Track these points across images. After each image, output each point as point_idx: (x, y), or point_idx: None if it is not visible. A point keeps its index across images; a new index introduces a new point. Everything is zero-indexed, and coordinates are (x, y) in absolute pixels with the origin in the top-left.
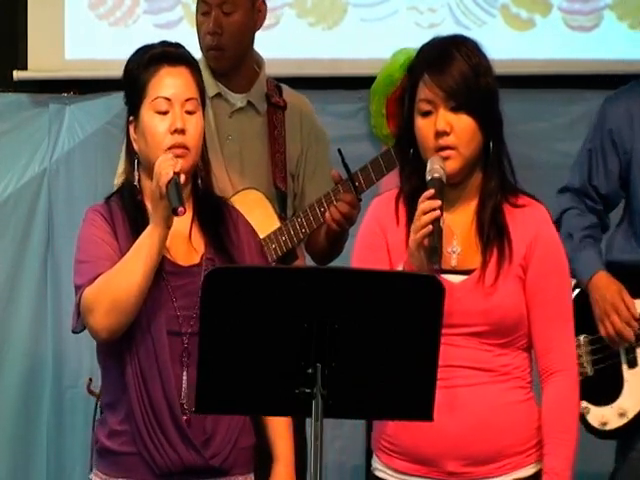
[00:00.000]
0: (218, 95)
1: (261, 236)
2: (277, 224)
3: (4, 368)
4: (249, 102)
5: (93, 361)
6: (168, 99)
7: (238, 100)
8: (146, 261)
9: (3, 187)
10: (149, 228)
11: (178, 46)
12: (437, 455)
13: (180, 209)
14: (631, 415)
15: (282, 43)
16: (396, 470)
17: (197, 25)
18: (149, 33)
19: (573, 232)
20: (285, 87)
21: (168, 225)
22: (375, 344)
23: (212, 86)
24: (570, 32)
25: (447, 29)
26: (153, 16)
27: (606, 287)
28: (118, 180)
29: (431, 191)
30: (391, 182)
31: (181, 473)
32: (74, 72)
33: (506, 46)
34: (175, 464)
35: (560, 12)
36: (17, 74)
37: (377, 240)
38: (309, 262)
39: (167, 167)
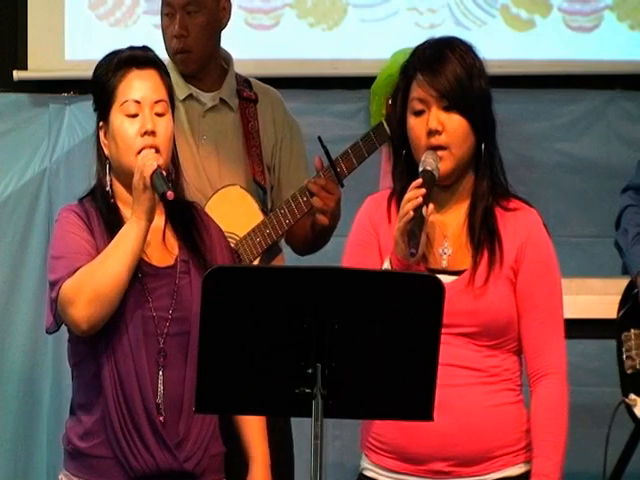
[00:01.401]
0: (189, 96)
1: (245, 232)
2: (260, 218)
3: (4, 368)
4: (221, 100)
5: None
6: (137, 102)
7: (209, 99)
8: (129, 253)
9: (3, 187)
10: (131, 221)
11: (146, 49)
12: (425, 454)
13: (169, 192)
14: None
15: (282, 43)
16: (386, 468)
17: (162, 28)
18: (149, 33)
19: (628, 228)
20: (254, 80)
21: (150, 218)
22: (375, 344)
23: (182, 88)
24: (570, 32)
25: (447, 30)
26: (153, 16)
27: None
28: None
29: (419, 180)
30: (391, 184)
31: (155, 476)
32: (74, 72)
33: (506, 46)
34: (150, 467)
35: (560, 13)
36: (17, 74)
37: (368, 237)
38: (289, 254)
39: (151, 159)
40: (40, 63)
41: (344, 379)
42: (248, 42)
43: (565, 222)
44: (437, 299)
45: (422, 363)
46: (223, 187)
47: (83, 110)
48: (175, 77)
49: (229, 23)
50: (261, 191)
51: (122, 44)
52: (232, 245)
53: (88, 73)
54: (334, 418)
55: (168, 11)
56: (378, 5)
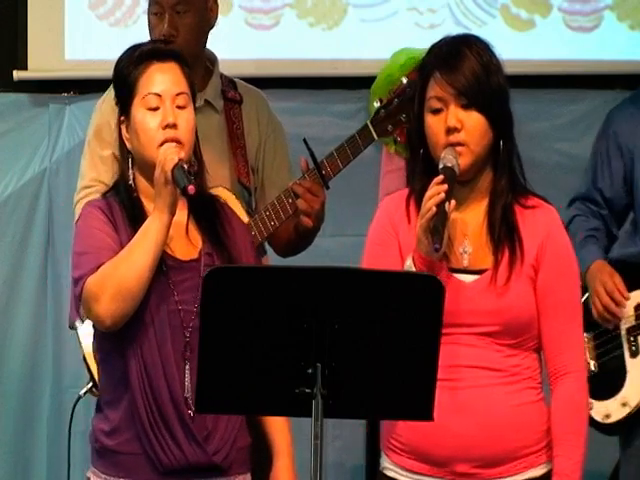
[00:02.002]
0: None
1: None
2: (246, 220)
3: (4, 368)
4: (206, 101)
5: None
6: (158, 95)
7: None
8: (152, 247)
9: (3, 187)
10: (153, 215)
11: (167, 42)
12: (447, 456)
13: (190, 187)
14: (633, 404)
15: (282, 43)
16: (406, 469)
17: (150, 26)
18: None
19: (577, 232)
20: (239, 81)
21: (172, 212)
22: (375, 344)
23: None
24: (570, 32)
25: (447, 30)
26: None
27: (600, 270)
28: (84, 181)
29: (440, 177)
30: (391, 183)
31: (184, 471)
32: (74, 72)
33: (506, 46)
34: (179, 461)
35: (560, 12)
36: (17, 74)
37: (388, 237)
38: (272, 255)
39: (172, 153)
40: (40, 63)
41: (344, 379)
42: (248, 42)
43: (565, 222)
44: (437, 299)
45: (422, 363)
46: (211, 187)
47: (83, 110)
48: None
49: (229, 23)
50: (246, 192)
51: (122, 44)
52: None
53: (88, 73)
54: (334, 418)
55: (157, 10)
56: (378, 5)
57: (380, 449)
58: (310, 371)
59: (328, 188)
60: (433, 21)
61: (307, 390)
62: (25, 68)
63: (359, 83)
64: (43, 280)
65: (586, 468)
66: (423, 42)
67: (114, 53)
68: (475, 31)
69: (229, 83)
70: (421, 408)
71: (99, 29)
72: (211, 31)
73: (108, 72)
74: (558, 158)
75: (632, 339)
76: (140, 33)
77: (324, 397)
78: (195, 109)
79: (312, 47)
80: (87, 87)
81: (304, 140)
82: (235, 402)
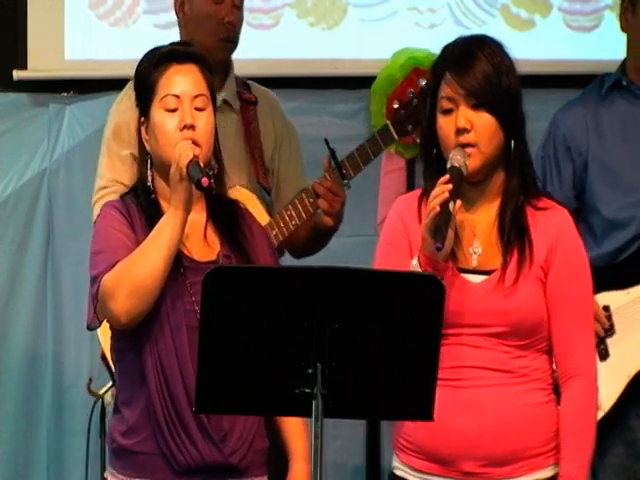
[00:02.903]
0: None
1: None
2: (267, 219)
3: (4, 368)
4: (224, 100)
5: (93, 361)
6: (177, 96)
7: None
8: (167, 244)
9: (3, 187)
10: (169, 212)
11: (187, 44)
12: (455, 455)
13: (204, 179)
14: (606, 407)
15: (282, 43)
16: (415, 469)
17: (203, 11)
18: (149, 33)
19: None
20: (252, 83)
21: (187, 209)
22: (375, 344)
23: None
24: (570, 32)
25: (447, 29)
26: (153, 16)
27: None
28: (101, 182)
29: (446, 177)
30: (391, 183)
31: (201, 470)
32: (74, 72)
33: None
34: (196, 460)
35: (560, 12)
36: (17, 74)
37: (400, 237)
38: (286, 255)
39: (187, 149)
40: (40, 63)
41: (344, 379)
42: (248, 42)
43: None
44: (437, 299)
45: (422, 363)
46: (231, 187)
47: (83, 110)
48: None
49: None
50: (265, 193)
51: (122, 44)
52: None
53: (88, 73)
54: (334, 418)
55: None
56: (378, 5)
57: (380, 449)
58: (310, 371)
59: (349, 188)
60: (433, 21)
61: (307, 390)
62: (25, 68)
63: (359, 83)
64: (43, 280)
65: None
66: (423, 42)
67: (114, 53)
68: (475, 31)
69: (243, 84)
70: (421, 408)
71: (99, 29)
72: None
73: (108, 72)
74: None
75: (600, 342)
76: (140, 33)
77: (324, 397)
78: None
79: (312, 47)
80: (87, 87)
81: (325, 140)
82: (235, 402)
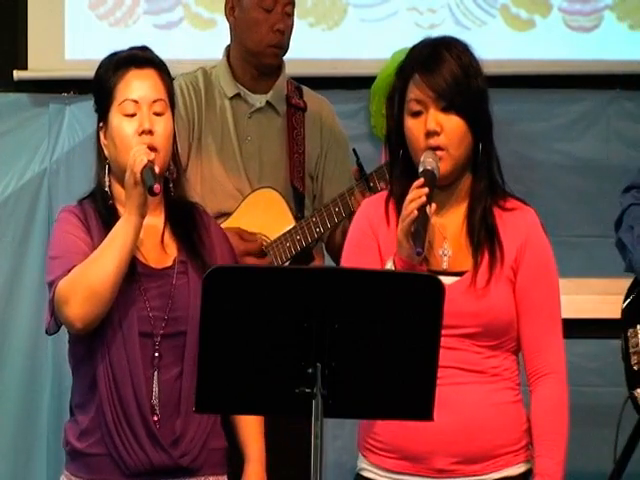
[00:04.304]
0: (237, 95)
1: (275, 235)
2: (292, 223)
3: (4, 368)
4: (268, 102)
5: None
6: (135, 101)
7: (257, 100)
8: (121, 250)
9: (3, 187)
10: (123, 218)
11: (145, 49)
12: (427, 452)
13: (156, 186)
14: None
15: None
16: (384, 469)
17: (253, 18)
18: (149, 33)
19: (634, 225)
20: (306, 89)
21: (142, 214)
22: (375, 344)
23: (231, 86)
24: (570, 32)
25: (447, 29)
26: (153, 16)
27: None
28: None
29: (421, 180)
30: None
31: (150, 473)
32: (74, 72)
33: (506, 46)
34: (144, 464)
35: (560, 12)
36: (17, 74)
37: (367, 240)
38: (328, 262)
39: (141, 155)
40: (40, 63)
41: (344, 379)
42: None
43: (565, 222)
44: (437, 299)
45: (422, 363)
46: (259, 188)
47: (83, 110)
48: (225, 75)
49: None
50: (298, 197)
51: (122, 44)
52: (262, 247)
53: (88, 73)
54: (334, 418)
55: (268, 6)
56: (378, 5)
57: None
58: (310, 371)
59: None
60: (433, 21)
61: (307, 390)
62: (25, 68)
63: (359, 83)
64: (43, 280)
65: (585, 468)
66: None
67: None
68: (475, 31)
69: (295, 89)
70: (421, 408)
71: (99, 29)
72: (211, 32)
73: None
74: (557, 158)
75: None
76: (140, 33)
77: (324, 397)
78: (257, 109)
79: (312, 47)
80: (87, 87)
81: (353, 150)
82: (235, 402)
